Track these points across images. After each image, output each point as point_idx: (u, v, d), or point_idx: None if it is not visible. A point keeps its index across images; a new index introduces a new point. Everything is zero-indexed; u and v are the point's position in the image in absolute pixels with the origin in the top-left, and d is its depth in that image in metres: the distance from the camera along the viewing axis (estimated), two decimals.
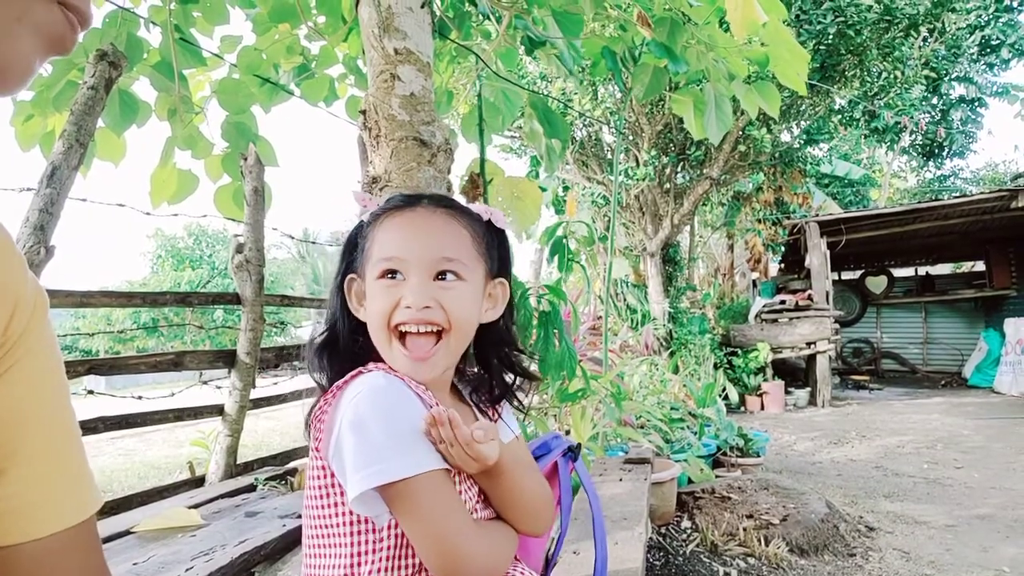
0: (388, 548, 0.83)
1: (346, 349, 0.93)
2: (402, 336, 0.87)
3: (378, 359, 0.91)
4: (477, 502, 0.90)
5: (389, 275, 0.88)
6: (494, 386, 1.01)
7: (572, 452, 1.09)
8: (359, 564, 0.83)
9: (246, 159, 2.99)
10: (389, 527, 0.83)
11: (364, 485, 0.77)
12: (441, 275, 0.88)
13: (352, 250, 0.96)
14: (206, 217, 3.22)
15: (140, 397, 2.94)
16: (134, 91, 2.71)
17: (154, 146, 2.89)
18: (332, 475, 0.83)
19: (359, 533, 0.84)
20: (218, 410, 3.11)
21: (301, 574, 0.92)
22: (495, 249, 0.96)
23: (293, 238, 4.22)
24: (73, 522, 0.53)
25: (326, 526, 0.86)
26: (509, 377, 1.02)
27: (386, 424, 0.79)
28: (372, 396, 0.81)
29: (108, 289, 2.92)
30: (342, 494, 0.83)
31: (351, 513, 0.83)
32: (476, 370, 1.02)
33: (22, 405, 0.50)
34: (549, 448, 1.07)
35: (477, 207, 0.96)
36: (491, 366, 1.00)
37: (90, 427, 2.51)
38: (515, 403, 1.03)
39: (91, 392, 2.79)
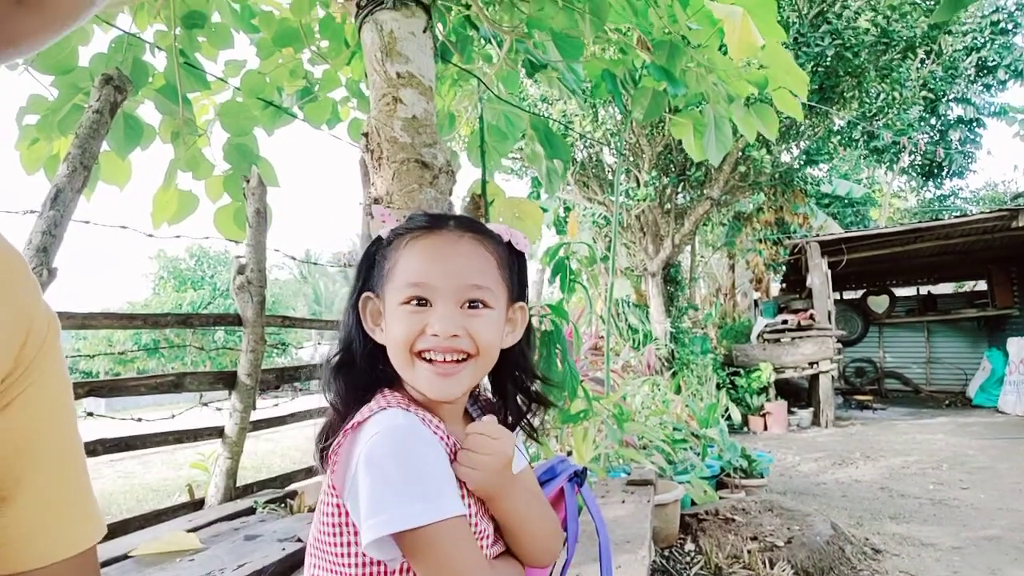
0: None
1: (362, 370, 0.90)
2: (424, 358, 0.85)
3: (394, 379, 0.89)
4: (493, 542, 0.89)
5: (415, 302, 0.84)
6: (508, 413, 0.98)
7: (578, 477, 1.07)
8: None
9: (248, 180, 3.01)
10: (402, 570, 0.81)
11: (379, 531, 0.75)
12: (471, 303, 0.85)
13: (370, 267, 0.93)
14: (208, 239, 3.23)
15: (140, 419, 2.93)
16: (139, 115, 2.73)
17: (157, 168, 2.92)
18: (347, 514, 0.81)
19: (371, 575, 0.81)
20: (218, 432, 3.09)
21: None
22: (516, 273, 0.93)
23: (295, 259, 4.24)
24: (76, 551, 0.52)
25: (337, 565, 0.83)
26: (523, 403, 0.99)
27: (403, 468, 0.77)
28: (390, 438, 0.78)
29: (109, 311, 2.92)
30: (356, 534, 0.80)
31: (364, 555, 0.81)
32: (489, 396, 1.00)
33: (31, 432, 0.50)
34: (555, 472, 1.05)
35: (498, 228, 0.93)
36: (506, 392, 0.97)
37: (89, 449, 2.50)
38: (528, 430, 1.00)
39: (90, 414, 2.78)
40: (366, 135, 2.22)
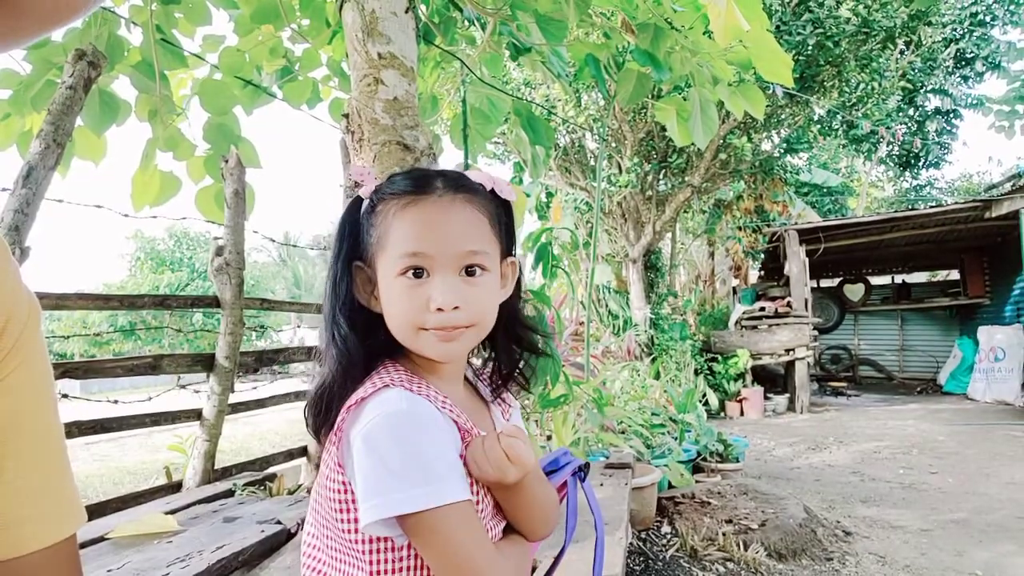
0: (409, 568, 0.81)
1: (360, 341, 0.86)
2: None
3: (394, 347, 0.87)
4: (492, 516, 0.89)
5: (412, 272, 0.82)
6: (501, 366, 0.97)
7: (582, 471, 1.07)
8: None
9: (227, 161, 2.96)
10: (409, 546, 0.80)
11: (376, 515, 0.74)
12: (468, 270, 0.83)
13: (353, 232, 0.89)
14: (186, 219, 3.19)
15: (116, 401, 2.90)
16: (115, 91, 2.68)
17: (135, 147, 2.86)
18: (354, 491, 0.79)
19: (378, 551, 0.80)
20: (196, 415, 3.07)
21: None
22: (504, 225, 0.90)
23: (274, 241, 4.19)
24: (57, 539, 0.52)
25: (343, 542, 0.82)
26: (516, 353, 0.97)
27: (403, 453, 0.75)
28: (390, 422, 0.77)
29: (84, 292, 2.87)
30: None
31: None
32: (484, 357, 0.99)
33: (11, 419, 0.49)
34: (558, 464, 1.05)
35: (480, 177, 0.89)
36: (498, 343, 0.95)
37: (65, 431, 2.46)
38: (521, 381, 0.99)
39: (65, 396, 2.74)
40: (347, 116, 2.20)
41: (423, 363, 0.88)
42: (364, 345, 0.86)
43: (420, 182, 0.86)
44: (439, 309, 0.81)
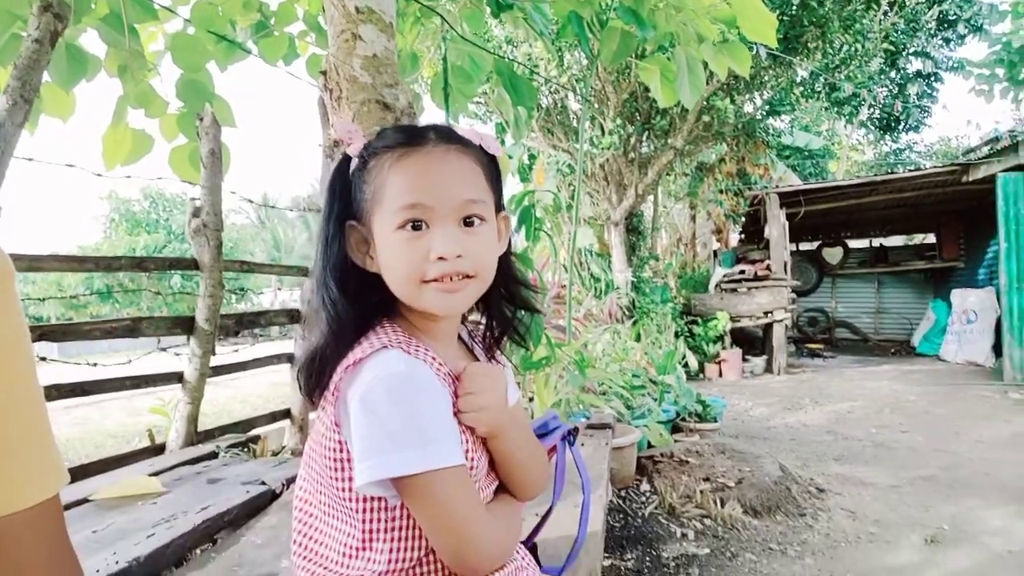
0: (401, 528, 0.82)
1: (355, 301, 0.85)
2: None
3: (389, 306, 0.87)
4: (485, 477, 0.90)
5: (411, 225, 0.80)
6: (495, 324, 0.97)
7: (571, 435, 1.09)
8: (371, 541, 0.81)
9: (202, 119, 2.89)
10: (402, 506, 0.81)
11: (372, 475, 0.75)
12: (467, 220, 0.82)
13: (345, 191, 0.87)
14: (162, 179, 3.12)
15: (95, 364, 2.87)
16: (82, 45, 2.59)
17: (105, 104, 2.78)
18: (349, 451, 0.80)
19: (372, 511, 0.81)
20: (177, 377, 3.05)
21: (293, 550, 0.89)
22: (494, 179, 0.90)
23: (252, 202, 4.13)
24: (39, 499, 0.51)
25: (336, 500, 0.83)
26: (508, 311, 0.98)
27: (400, 415, 0.76)
28: (388, 383, 0.77)
29: (59, 253, 2.82)
30: None
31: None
32: (477, 318, 0.99)
33: None
34: (547, 428, 1.06)
35: (467, 133, 0.88)
36: (492, 300, 0.95)
37: (44, 395, 2.44)
38: (516, 338, 0.99)
39: (43, 359, 2.71)
40: (324, 73, 2.15)
41: (419, 323, 0.87)
42: (356, 307, 0.85)
43: (413, 134, 0.85)
44: (441, 258, 0.80)
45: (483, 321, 0.99)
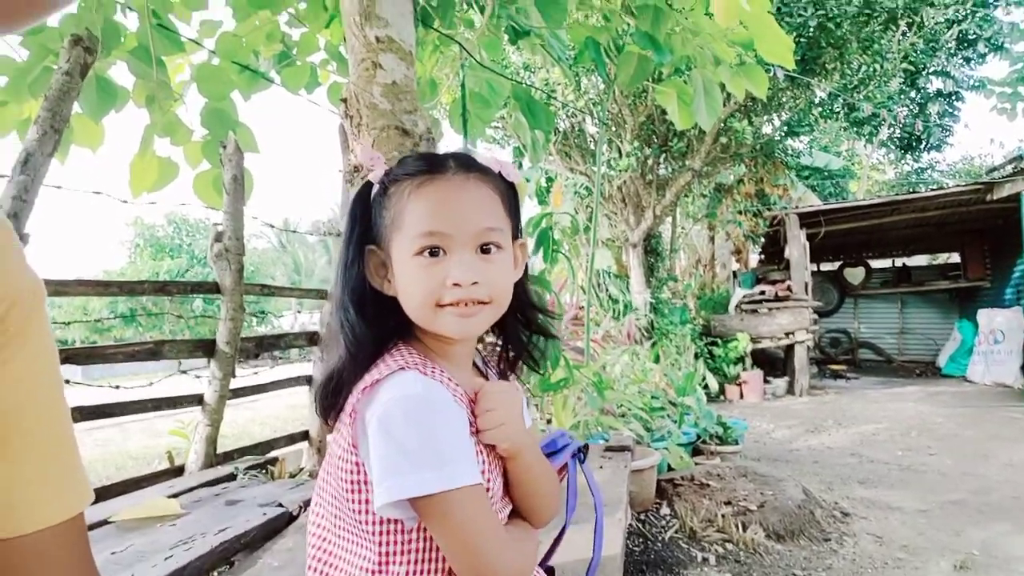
0: (417, 551, 0.82)
1: (372, 324, 0.86)
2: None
3: (406, 329, 0.88)
4: (500, 500, 0.90)
5: (429, 252, 0.82)
6: (510, 349, 0.98)
7: (582, 453, 1.08)
8: (387, 564, 0.81)
9: (225, 147, 2.96)
10: (419, 528, 0.81)
11: (390, 496, 0.75)
12: (484, 247, 0.83)
13: (365, 216, 0.89)
14: (186, 205, 3.19)
15: (118, 387, 2.91)
16: (112, 77, 2.67)
17: (132, 132, 2.86)
18: (366, 472, 0.80)
19: (388, 533, 0.81)
20: (197, 400, 3.09)
21: (309, 571, 0.88)
22: (513, 206, 0.91)
23: (273, 227, 4.19)
24: (65, 517, 0.52)
25: (354, 522, 0.83)
26: (524, 336, 0.98)
27: (417, 436, 0.76)
28: (405, 405, 0.77)
29: (84, 278, 2.88)
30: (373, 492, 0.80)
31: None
32: (492, 341, 1.00)
33: (18, 397, 0.49)
34: (556, 445, 1.05)
35: (488, 160, 0.89)
36: (507, 325, 0.96)
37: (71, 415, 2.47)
38: (531, 363, 1.00)
39: (67, 382, 2.76)
40: (345, 101, 2.19)
41: (435, 346, 0.88)
42: (373, 330, 0.86)
43: (433, 162, 0.86)
44: (456, 284, 0.81)
45: (499, 344, 0.99)
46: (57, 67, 2.18)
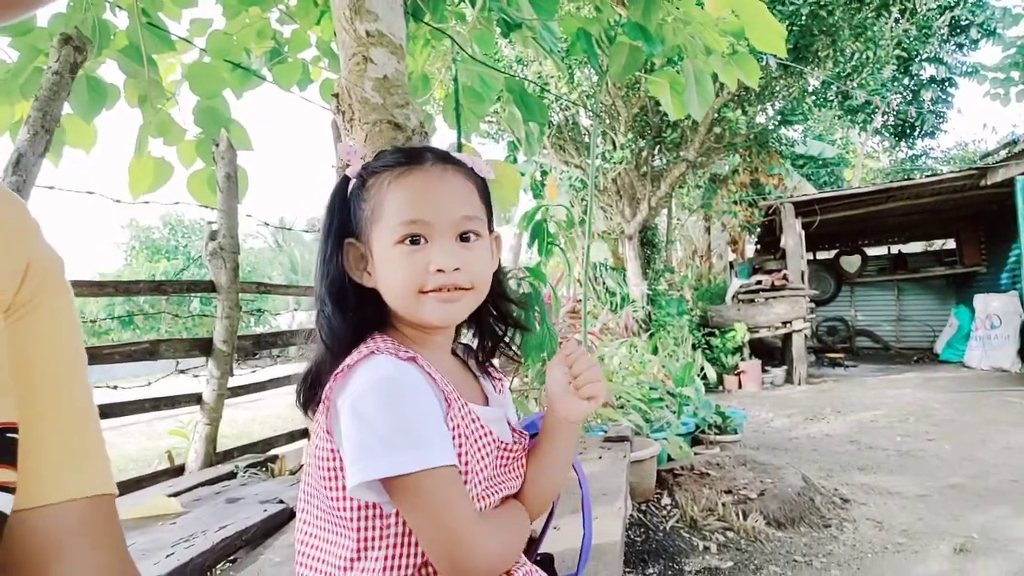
0: (396, 535, 0.82)
1: (351, 315, 0.88)
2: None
3: (384, 321, 0.89)
4: (487, 483, 0.89)
5: (410, 240, 0.83)
6: (486, 340, 1.00)
7: None
8: (366, 550, 0.81)
9: (218, 144, 2.95)
10: (397, 513, 0.81)
11: (362, 476, 0.75)
12: (463, 235, 0.85)
13: (343, 210, 0.90)
14: (180, 204, 3.18)
15: (116, 387, 2.91)
16: (102, 76, 2.65)
17: (123, 133, 2.84)
18: (341, 459, 0.80)
19: (367, 519, 0.81)
20: (196, 399, 3.09)
21: (296, 563, 0.89)
22: (487, 200, 0.93)
23: (268, 225, 4.19)
24: (90, 492, 0.52)
25: (332, 510, 0.83)
26: (499, 328, 1.01)
27: (389, 418, 0.76)
28: (377, 387, 0.78)
29: (79, 279, 2.87)
30: None
31: (358, 499, 0.81)
32: (468, 334, 1.02)
33: (40, 353, 0.50)
34: (536, 428, 1.07)
35: (461, 156, 0.92)
36: (483, 317, 0.98)
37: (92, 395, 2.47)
38: (509, 353, 1.02)
39: None
40: (337, 96, 2.18)
41: (414, 335, 0.89)
42: (351, 322, 0.87)
43: (411, 154, 0.89)
44: (440, 270, 0.82)
45: (475, 337, 1.01)
46: (47, 67, 2.18)
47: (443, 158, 0.89)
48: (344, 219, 0.90)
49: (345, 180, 0.91)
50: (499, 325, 1.00)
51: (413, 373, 0.81)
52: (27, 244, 0.51)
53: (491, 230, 0.94)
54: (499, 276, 0.98)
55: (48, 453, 0.50)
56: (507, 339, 1.01)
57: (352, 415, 0.77)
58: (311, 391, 0.87)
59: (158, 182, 2.84)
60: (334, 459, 0.82)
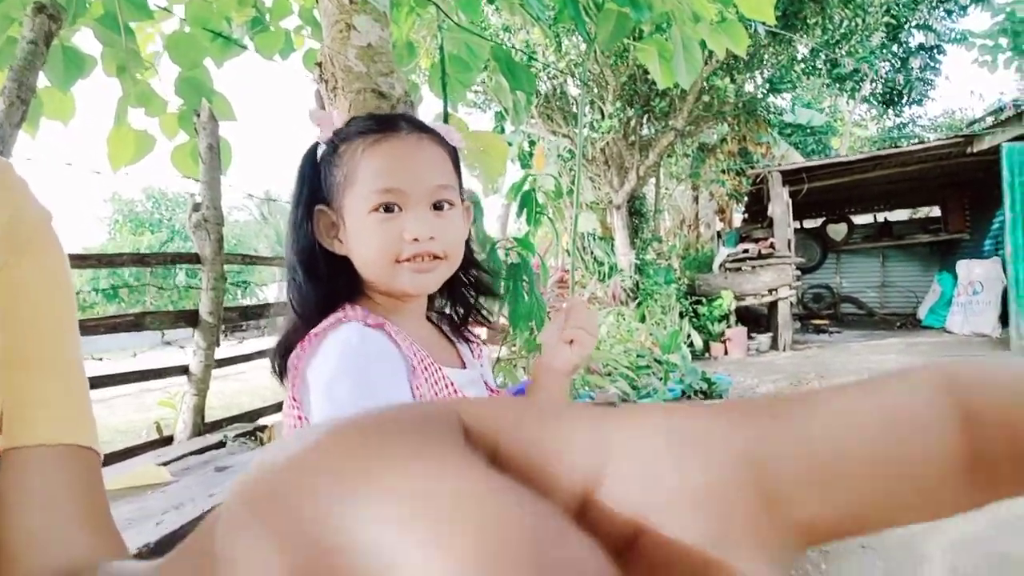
0: None
1: (323, 284, 0.87)
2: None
3: (355, 291, 0.89)
4: None
5: (385, 208, 0.82)
6: (457, 307, 1.01)
7: None
8: None
9: (199, 115, 2.91)
10: None
11: None
12: (437, 204, 0.85)
13: (313, 177, 0.89)
14: (164, 177, 3.15)
15: (101, 359, 2.91)
16: (78, 46, 2.60)
17: (104, 105, 2.80)
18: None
19: None
20: (183, 370, 3.09)
21: None
22: (458, 170, 0.93)
23: (252, 196, 4.16)
24: (67, 440, 0.50)
25: None
26: (470, 295, 1.02)
27: (354, 384, 0.76)
28: (343, 356, 0.77)
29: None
30: None
31: None
32: (440, 302, 1.03)
33: (29, 300, 0.50)
34: (523, 393, 1.08)
35: (435, 125, 0.92)
36: (455, 285, 0.98)
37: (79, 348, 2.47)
38: (481, 318, 1.03)
39: None
40: (320, 65, 2.16)
41: (385, 303, 0.89)
42: (321, 290, 0.87)
43: (385, 121, 0.87)
44: (415, 239, 0.82)
45: (446, 304, 1.02)
46: (21, 36, 2.13)
47: (418, 126, 0.88)
48: (315, 186, 0.88)
49: (316, 146, 0.90)
50: (470, 293, 1.00)
51: (379, 340, 0.81)
52: (13, 197, 0.51)
53: (463, 199, 0.94)
54: (469, 244, 0.98)
55: (28, 398, 0.50)
56: (478, 306, 1.02)
57: (315, 384, 0.78)
58: (284, 361, 0.86)
59: (139, 154, 2.80)
60: (301, 427, 0.81)
